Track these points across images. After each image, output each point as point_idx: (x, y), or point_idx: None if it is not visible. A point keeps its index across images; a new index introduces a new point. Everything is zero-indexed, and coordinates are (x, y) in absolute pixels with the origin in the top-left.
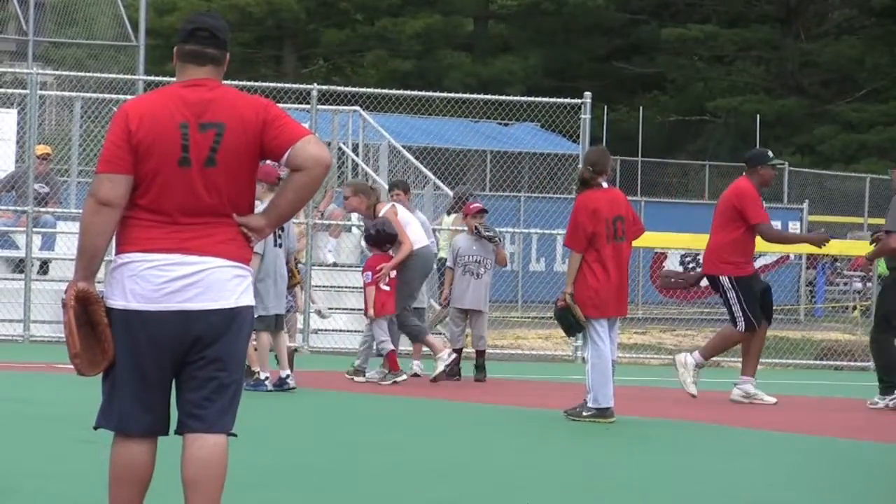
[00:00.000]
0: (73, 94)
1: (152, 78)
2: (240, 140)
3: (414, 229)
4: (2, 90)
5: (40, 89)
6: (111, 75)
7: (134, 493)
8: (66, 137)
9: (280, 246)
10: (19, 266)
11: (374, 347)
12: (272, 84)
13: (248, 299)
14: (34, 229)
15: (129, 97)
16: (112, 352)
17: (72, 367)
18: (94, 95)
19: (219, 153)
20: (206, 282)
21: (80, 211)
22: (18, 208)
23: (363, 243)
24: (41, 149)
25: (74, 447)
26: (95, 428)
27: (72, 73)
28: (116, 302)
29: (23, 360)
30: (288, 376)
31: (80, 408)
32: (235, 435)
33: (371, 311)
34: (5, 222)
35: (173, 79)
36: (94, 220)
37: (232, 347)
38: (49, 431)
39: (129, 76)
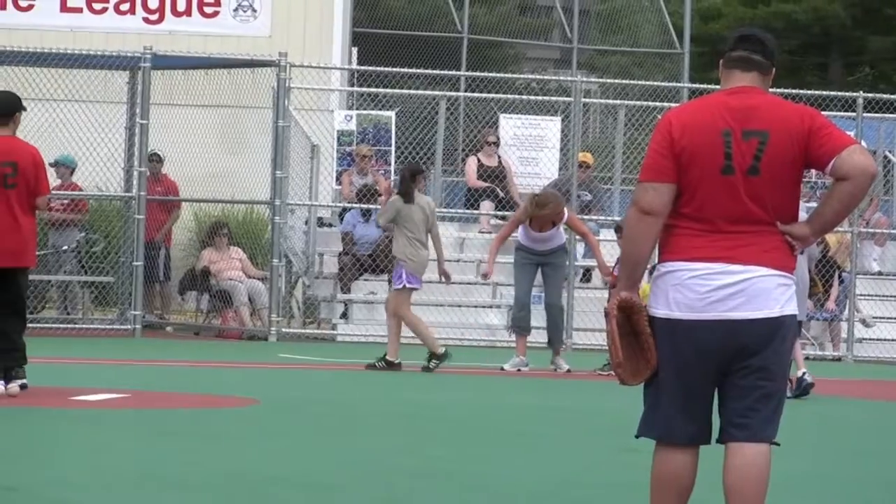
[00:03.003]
0: (617, 101)
1: (697, 85)
2: (784, 148)
3: None
4: (546, 98)
5: (584, 97)
6: (655, 83)
7: (677, 501)
8: (609, 145)
9: (802, 253)
10: None
11: None
12: (818, 92)
13: (792, 308)
14: (577, 237)
15: (673, 105)
16: (655, 361)
17: (614, 375)
18: (639, 103)
19: (762, 161)
20: (751, 291)
21: (622, 220)
22: None
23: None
24: (583, 156)
25: (616, 456)
26: (637, 437)
27: (616, 81)
28: (660, 311)
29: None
30: (804, 373)
31: (622, 417)
32: (778, 444)
33: None
34: None
35: (717, 86)
36: (637, 228)
37: (776, 356)
38: (591, 441)
39: (673, 84)
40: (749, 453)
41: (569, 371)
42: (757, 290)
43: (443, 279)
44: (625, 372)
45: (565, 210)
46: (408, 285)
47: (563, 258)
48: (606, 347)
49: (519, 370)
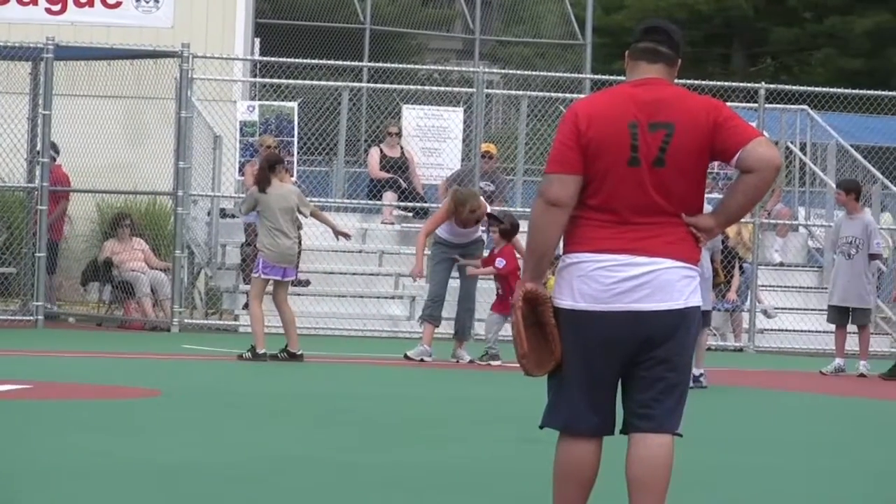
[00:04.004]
0: (520, 92)
1: (599, 77)
2: (690, 140)
3: None
4: (449, 88)
5: (486, 88)
6: (558, 74)
7: (579, 492)
8: (512, 136)
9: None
10: None
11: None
12: (720, 83)
13: (696, 300)
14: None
15: (576, 96)
16: (559, 352)
17: (518, 366)
18: (541, 94)
19: (668, 153)
20: (656, 283)
21: (527, 210)
22: None
23: (492, 234)
24: (487, 147)
25: (519, 446)
26: (542, 427)
27: (518, 72)
28: (565, 302)
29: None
30: (701, 375)
31: (524, 408)
32: (681, 435)
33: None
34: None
35: (620, 78)
36: (543, 219)
37: (681, 348)
38: (494, 431)
39: (575, 75)
40: (653, 444)
41: (471, 362)
42: (662, 283)
43: (341, 238)
44: (529, 363)
45: (486, 205)
46: (263, 275)
47: (480, 250)
48: (512, 339)
49: (422, 359)
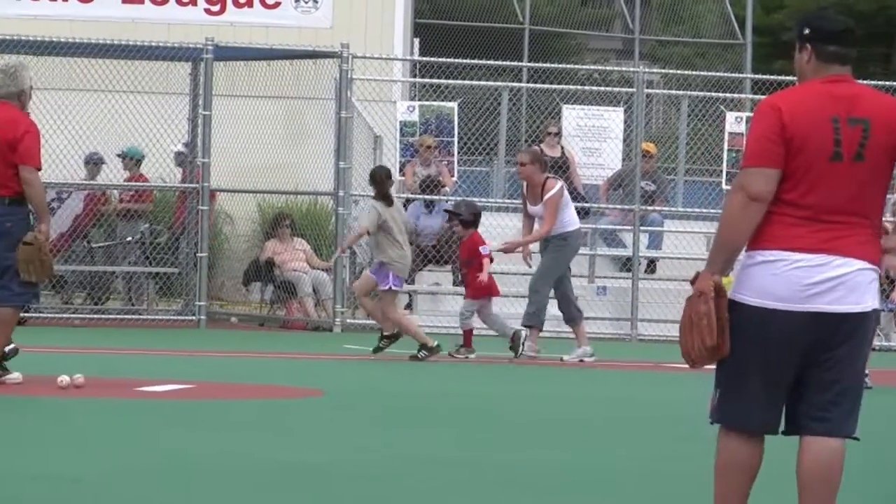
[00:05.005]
0: (680, 92)
1: (760, 76)
2: (884, 137)
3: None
4: (608, 88)
5: (647, 87)
6: (718, 73)
7: (744, 487)
8: (672, 136)
9: None
10: (626, 265)
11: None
12: (881, 82)
13: (876, 301)
14: (641, 228)
15: (736, 96)
16: (727, 346)
17: (683, 365)
18: (701, 94)
19: (866, 149)
20: (850, 284)
21: (689, 210)
22: (625, 206)
23: (455, 228)
24: (646, 146)
25: (678, 446)
26: (712, 423)
27: (678, 72)
28: (751, 299)
29: (630, 358)
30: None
31: (684, 407)
32: (858, 438)
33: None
34: (613, 220)
35: (781, 77)
36: (742, 214)
37: (860, 349)
38: (654, 431)
39: (736, 74)
40: (827, 448)
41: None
42: (855, 284)
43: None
44: (707, 355)
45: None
46: (394, 287)
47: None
48: (684, 331)
49: (582, 360)
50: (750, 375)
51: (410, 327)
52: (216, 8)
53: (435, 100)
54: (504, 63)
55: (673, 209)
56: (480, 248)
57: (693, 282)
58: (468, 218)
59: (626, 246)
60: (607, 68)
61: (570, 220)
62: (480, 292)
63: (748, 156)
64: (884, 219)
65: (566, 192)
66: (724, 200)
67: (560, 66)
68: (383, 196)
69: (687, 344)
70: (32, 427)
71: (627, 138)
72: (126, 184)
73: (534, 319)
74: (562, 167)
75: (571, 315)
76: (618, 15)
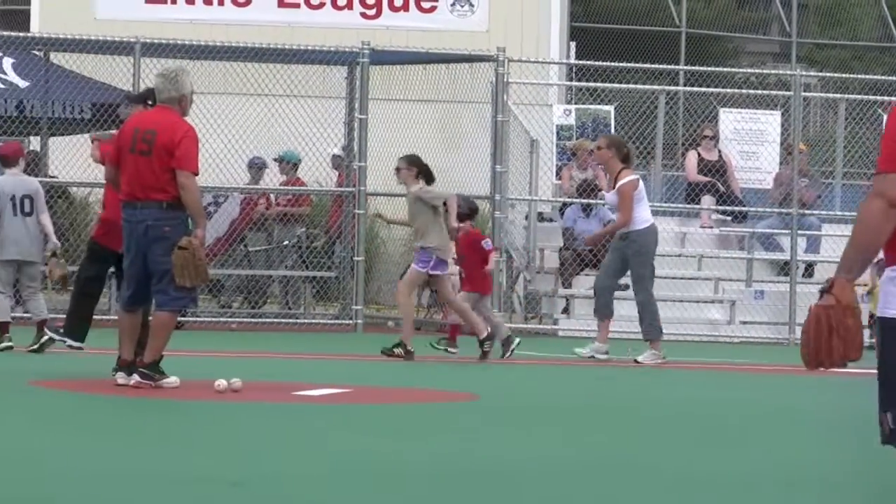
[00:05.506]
0: (838, 95)
1: None
2: None
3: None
4: (765, 92)
5: (804, 91)
6: (875, 76)
7: None
8: (830, 139)
9: None
10: (784, 268)
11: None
12: None
13: None
14: (799, 231)
15: (893, 99)
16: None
17: (839, 370)
18: (859, 97)
19: None
20: None
21: (846, 213)
22: (783, 210)
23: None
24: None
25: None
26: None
27: (836, 75)
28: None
29: (788, 363)
30: None
31: (850, 411)
32: None
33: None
34: (770, 223)
35: None
36: (879, 220)
37: None
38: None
39: (893, 77)
40: None
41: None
42: None
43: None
44: (841, 365)
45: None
46: (432, 272)
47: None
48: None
49: (593, 356)
50: None
51: (469, 315)
52: (372, 12)
53: (591, 103)
54: (661, 66)
55: (830, 213)
56: (483, 242)
57: (828, 290)
58: (464, 211)
59: (784, 249)
60: (764, 71)
61: (640, 216)
62: (478, 286)
63: (886, 159)
64: None
65: (641, 186)
66: (859, 206)
67: (717, 69)
68: (430, 178)
69: (823, 352)
70: (189, 430)
71: (784, 142)
72: (283, 188)
73: (654, 333)
74: (719, 171)
75: (604, 310)
76: (775, 18)
